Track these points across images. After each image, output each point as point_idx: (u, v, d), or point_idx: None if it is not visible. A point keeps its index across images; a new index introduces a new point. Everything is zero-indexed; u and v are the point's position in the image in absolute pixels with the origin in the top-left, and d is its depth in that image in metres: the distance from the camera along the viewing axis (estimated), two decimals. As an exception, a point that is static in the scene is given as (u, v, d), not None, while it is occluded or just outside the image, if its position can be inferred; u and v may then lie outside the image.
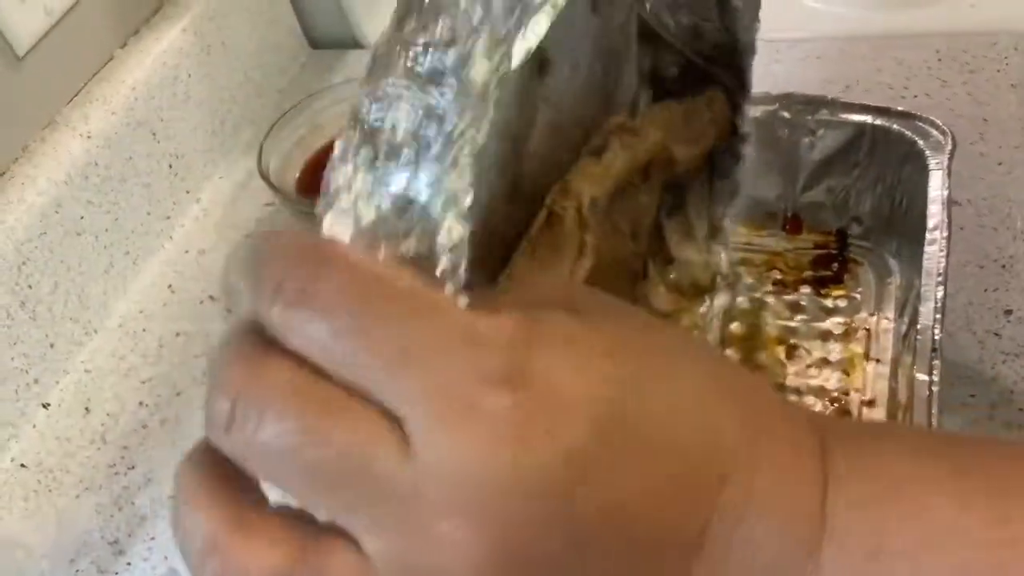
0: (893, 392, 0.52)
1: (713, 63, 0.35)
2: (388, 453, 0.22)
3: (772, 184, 0.58)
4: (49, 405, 0.65)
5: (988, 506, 0.25)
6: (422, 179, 0.24)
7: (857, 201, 0.58)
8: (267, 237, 0.25)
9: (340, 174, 0.25)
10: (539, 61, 0.29)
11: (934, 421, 0.44)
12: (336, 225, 0.25)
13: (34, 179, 0.65)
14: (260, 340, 0.24)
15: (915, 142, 0.53)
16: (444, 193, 0.24)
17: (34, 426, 0.64)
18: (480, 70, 0.24)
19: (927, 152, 0.53)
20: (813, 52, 0.71)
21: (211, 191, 0.79)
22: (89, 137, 0.69)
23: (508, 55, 0.24)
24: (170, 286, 0.72)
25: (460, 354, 0.22)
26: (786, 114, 0.54)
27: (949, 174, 0.51)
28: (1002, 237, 0.59)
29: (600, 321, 0.25)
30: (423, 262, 0.24)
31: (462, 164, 0.24)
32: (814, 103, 0.54)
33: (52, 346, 0.66)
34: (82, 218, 0.68)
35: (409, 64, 0.25)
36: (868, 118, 0.55)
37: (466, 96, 0.24)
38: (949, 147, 0.52)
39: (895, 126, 0.54)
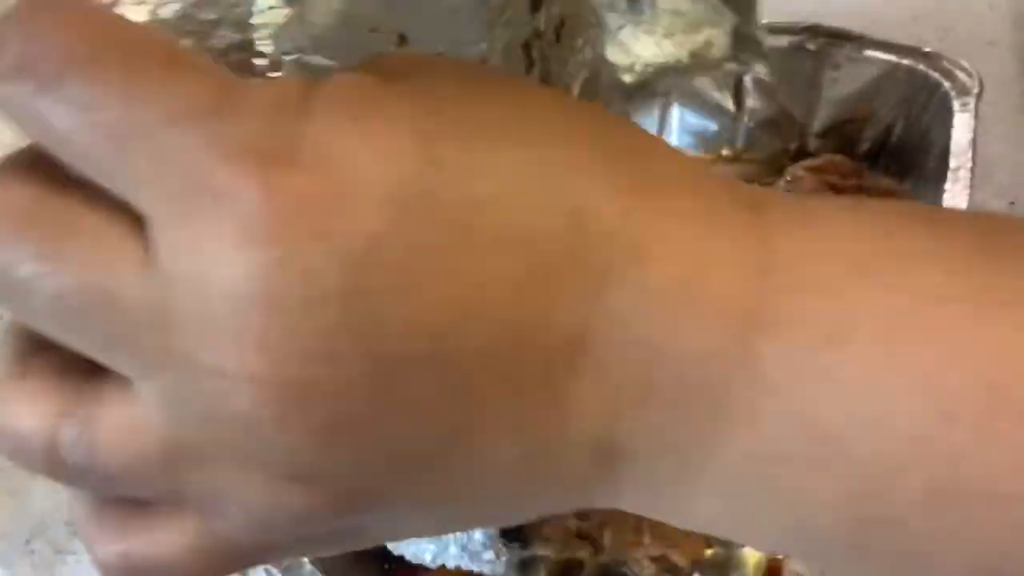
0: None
1: None
2: (131, 269, 0.17)
3: (790, 118, 0.57)
4: None
5: (975, 271, 0.20)
6: None
7: (877, 140, 0.56)
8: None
9: None
10: None
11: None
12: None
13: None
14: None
15: (940, 83, 0.52)
16: None
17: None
18: None
19: (952, 94, 0.51)
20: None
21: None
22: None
23: None
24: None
25: (204, 124, 0.17)
26: (811, 46, 0.53)
27: (976, 115, 0.50)
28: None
29: (422, 85, 0.19)
30: (241, 55, 0.20)
31: None
32: (841, 37, 0.53)
33: None
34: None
35: None
36: (893, 57, 0.53)
37: None
38: (976, 90, 0.51)
39: (921, 67, 0.53)
